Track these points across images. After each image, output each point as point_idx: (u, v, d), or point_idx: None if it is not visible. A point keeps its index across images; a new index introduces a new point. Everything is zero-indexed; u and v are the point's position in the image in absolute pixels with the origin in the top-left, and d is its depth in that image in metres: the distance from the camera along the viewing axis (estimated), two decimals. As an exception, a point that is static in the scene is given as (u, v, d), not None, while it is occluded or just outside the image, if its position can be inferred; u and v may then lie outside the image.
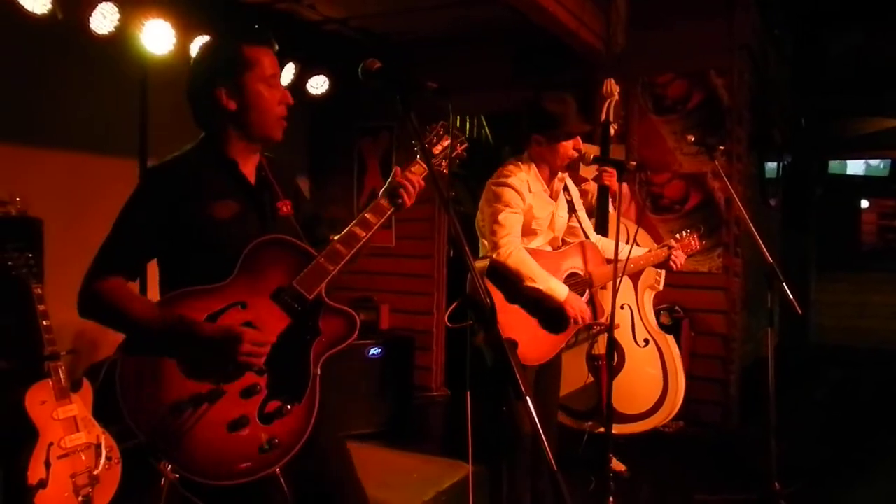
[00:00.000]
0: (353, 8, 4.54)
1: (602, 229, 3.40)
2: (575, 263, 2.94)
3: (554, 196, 2.95)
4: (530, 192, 2.83)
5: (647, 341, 3.53)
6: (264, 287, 1.77)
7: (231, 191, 1.82)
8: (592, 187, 3.81)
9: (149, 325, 1.69)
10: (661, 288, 3.62)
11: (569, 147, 2.84)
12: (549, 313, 2.79)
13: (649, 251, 3.11)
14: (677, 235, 3.17)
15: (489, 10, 4.17)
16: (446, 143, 2.06)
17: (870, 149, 7.14)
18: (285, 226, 1.88)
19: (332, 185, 5.78)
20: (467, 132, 6.52)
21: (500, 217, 2.75)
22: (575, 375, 3.55)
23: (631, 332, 3.55)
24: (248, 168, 1.89)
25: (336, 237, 1.85)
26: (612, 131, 3.63)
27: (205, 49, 1.94)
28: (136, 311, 1.71)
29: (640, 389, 3.52)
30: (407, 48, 5.05)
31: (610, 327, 2.82)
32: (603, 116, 3.64)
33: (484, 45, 5.05)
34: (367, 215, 1.87)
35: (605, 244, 3.13)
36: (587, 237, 3.07)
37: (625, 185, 3.78)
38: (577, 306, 2.79)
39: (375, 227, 1.87)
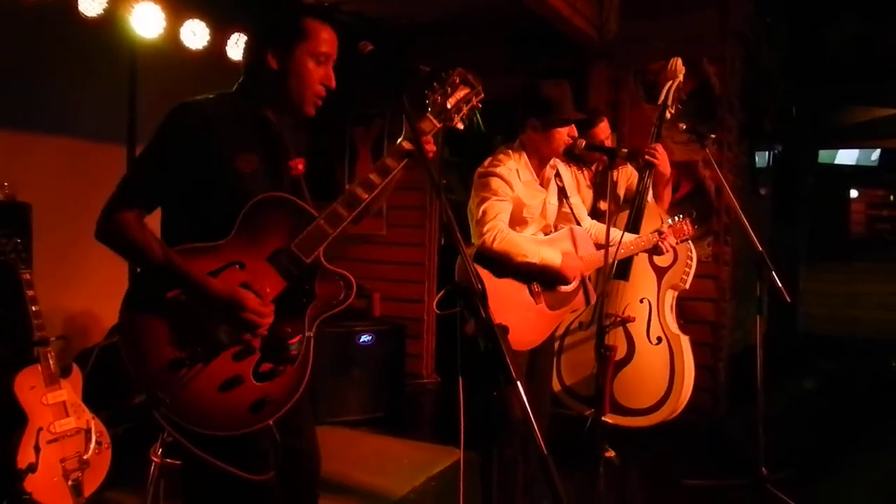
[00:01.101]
0: (346, -8, 4.51)
1: (637, 217, 3.33)
2: (564, 249, 2.94)
3: (545, 184, 2.95)
4: (520, 180, 2.83)
5: (659, 339, 3.45)
6: (262, 248, 1.77)
7: (254, 144, 1.81)
8: (630, 174, 3.71)
9: (163, 268, 1.70)
10: (686, 287, 3.51)
11: (563, 133, 2.83)
12: (549, 279, 2.82)
13: (639, 237, 3.12)
14: (669, 220, 3.17)
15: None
16: (462, 93, 1.94)
17: (861, 138, 7.16)
18: (296, 187, 1.87)
19: (326, 169, 5.76)
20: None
21: (486, 205, 2.76)
22: (589, 360, 3.51)
23: (646, 328, 3.48)
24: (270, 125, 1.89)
25: (338, 199, 1.82)
26: (667, 115, 3.50)
27: (271, 10, 1.92)
28: (155, 251, 1.71)
29: (644, 385, 3.46)
30: (400, 34, 5.02)
31: (600, 315, 2.83)
32: (661, 98, 3.51)
33: (477, 32, 5.02)
34: (372, 176, 1.83)
35: (598, 230, 3.12)
36: (579, 224, 3.07)
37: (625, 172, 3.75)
38: (575, 266, 2.82)
39: (379, 188, 1.83)
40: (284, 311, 1.77)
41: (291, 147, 1.91)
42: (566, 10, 4.17)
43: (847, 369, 5.83)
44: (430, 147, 1.89)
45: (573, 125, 2.87)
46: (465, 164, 5.58)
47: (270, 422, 1.76)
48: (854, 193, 10.05)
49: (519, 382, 1.43)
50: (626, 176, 3.72)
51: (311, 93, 1.84)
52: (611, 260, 2.81)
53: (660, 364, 3.46)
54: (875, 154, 8.81)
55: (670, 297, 3.52)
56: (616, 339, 3.40)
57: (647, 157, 3.33)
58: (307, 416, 2.05)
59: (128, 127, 4.21)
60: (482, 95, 1.98)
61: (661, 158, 3.33)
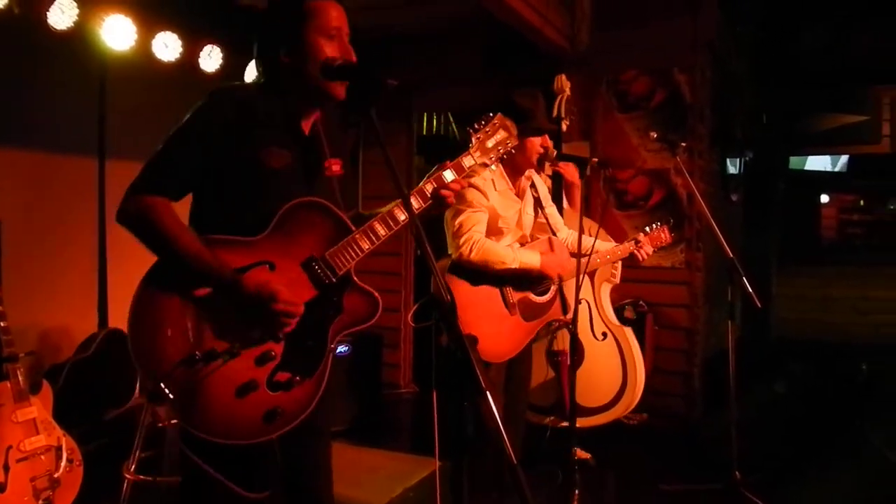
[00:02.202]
0: (318, 4, 4.51)
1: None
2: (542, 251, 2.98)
3: (520, 194, 2.98)
4: (495, 190, 2.85)
5: (605, 335, 3.57)
6: (296, 252, 1.73)
7: (286, 141, 1.78)
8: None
9: (191, 258, 1.63)
10: (617, 281, 3.66)
11: (536, 143, 2.87)
12: (530, 279, 2.85)
13: (616, 245, 3.15)
14: (647, 228, 3.21)
15: (455, 6, 4.18)
16: (501, 136, 1.99)
17: (831, 145, 7.29)
18: (328, 188, 1.84)
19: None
20: (434, 129, 6.52)
21: (462, 217, 2.78)
22: (535, 371, 3.57)
23: (589, 326, 3.58)
24: (307, 122, 1.85)
25: (376, 216, 1.81)
26: (563, 127, 3.66)
27: (273, 2, 1.87)
28: (182, 238, 1.64)
29: (599, 382, 3.56)
30: (374, 44, 5.02)
31: (574, 322, 2.86)
32: (555, 112, 3.66)
33: (451, 42, 5.05)
34: (413, 199, 1.83)
35: (573, 240, 3.15)
36: (555, 234, 3.10)
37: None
38: (555, 264, 2.87)
39: (418, 212, 1.83)
40: (309, 320, 1.73)
41: (329, 146, 1.88)
42: (538, 22, 4.22)
43: (819, 373, 5.91)
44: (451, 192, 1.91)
45: (546, 135, 2.90)
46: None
47: (274, 435, 1.71)
48: (825, 198, 10.20)
49: (489, 392, 1.44)
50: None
51: None
52: (589, 268, 2.86)
53: (611, 358, 3.56)
54: (843, 160, 8.97)
55: (605, 291, 3.65)
56: (564, 342, 3.44)
57: (559, 171, 3.51)
58: (320, 449, 1.97)
59: (99, 140, 4.18)
60: (516, 142, 2.05)
61: (566, 169, 3.51)
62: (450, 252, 2.84)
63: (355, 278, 1.80)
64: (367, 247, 1.77)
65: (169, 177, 1.69)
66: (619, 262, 3.55)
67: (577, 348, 3.46)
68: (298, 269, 1.73)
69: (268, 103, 1.77)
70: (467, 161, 1.95)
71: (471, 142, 1.98)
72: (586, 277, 3.56)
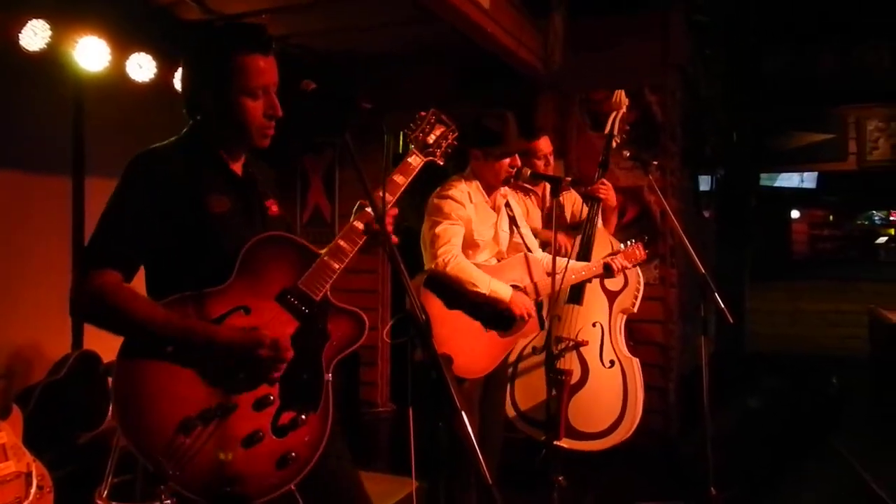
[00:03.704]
0: (294, 26, 4.53)
1: (588, 244, 3.43)
2: (517, 275, 3.00)
3: (496, 209, 3.01)
4: (472, 202, 2.89)
5: (612, 363, 3.49)
6: (267, 289, 1.66)
7: (223, 185, 1.73)
8: (575, 199, 3.80)
9: (159, 330, 1.55)
10: (635, 311, 3.59)
11: (505, 164, 2.91)
12: (496, 315, 2.84)
13: (588, 264, 3.19)
14: (621, 245, 3.27)
15: (430, 29, 4.22)
16: (439, 131, 1.96)
17: (799, 162, 7.45)
18: (277, 226, 1.80)
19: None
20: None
21: (439, 229, 2.80)
22: (543, 384, 3.54)
23: (599, 351, 3.51)
24: (236, 165, 1.81)
25: (339, 233, 1.77)
26: (613, 144, 3.65)
27: (197, 49, 1.79)
28: (144, 312, 1.56)
29: (599, 409, 3.48)
30: (349, 66, 5.06)
31: (548, 340, 2.87)
32: (607, 129, 3.67)
33: (427, 63, 5.10)
34: (367, 208, 1.76)
35: (550, 260, 3.18)
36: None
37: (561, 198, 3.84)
38: (523, 303, 2.85)
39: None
40: (299, 354, 1.66)
41: (263, 188, 1.84)
42: (512, 44, 4.27)
43: (791, 387, 5.99)
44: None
45: (516, 156, 2.94)
46: (416, 189, 5.63)
47: (293, 483, 1.64)
48: (796, 214, 10.38)
49: (464, 412, 1.45)
50: (570, 200, 3.83)
51: (256, 129, 1.74)
52: (563, 286, 2.86)
53: (613, 387, 3.49)
54: (811, 176, 9.16)
55: (620, 321, 3.58)
56: (570, 362, 3.44)
57: (596, 192, 3.46)
58: (343, 462, 1.90)
59: (73, 160, 4.16)
60: (457, 133, 2.02)
61: (608, 193, 3.48)
62: (425, 263, 2.86)
63: (334, 301, 1.77)
64: (337, 266, 1.72)
65: (113, 252, 1.61)
66: (640, 294, 3.55)
67: (581, 370, 3.44)
68: (274, 305, 1.67)
69: (196, 152, 1.73)
70: (413, 160, 1.93)
71: (410, 141, 1.96)
72: (606, 302, 3.54)
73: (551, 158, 3.62)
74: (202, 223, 1.66)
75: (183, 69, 1.78)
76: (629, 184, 4.76)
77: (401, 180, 1.87)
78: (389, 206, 1.80)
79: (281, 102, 1.79)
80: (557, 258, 2.83)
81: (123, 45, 3.78)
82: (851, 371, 5.79)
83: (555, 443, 3.53)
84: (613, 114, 3.68)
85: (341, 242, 1.74)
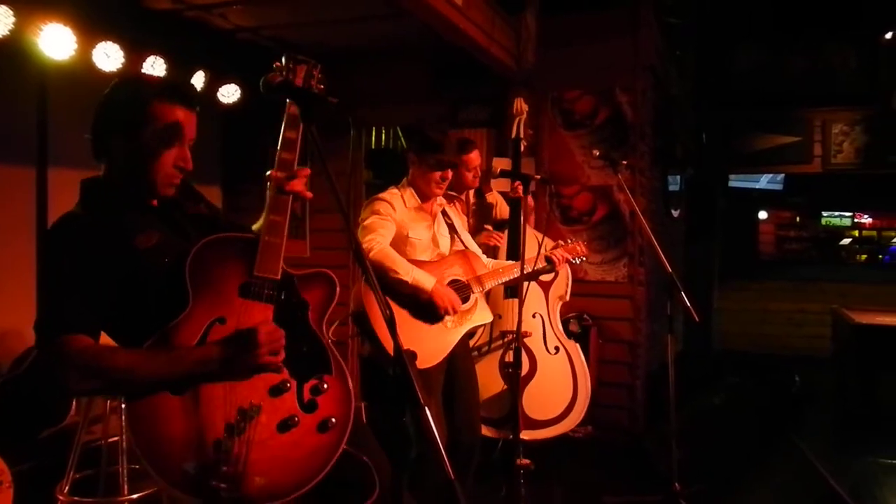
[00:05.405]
0: (264, 18, 4.50)
1: (515, 241, 3.52)
2: (456, 270, 3.06)
3: (432, 215, 3.10)
4: (405, 206, 2.99)
5: (557, 349, 3.64)
6: (228, 291, 1.67)
7: (148, 222, 1.73)
8: (498, 198, 3.95)
9: (151, 374, 1.56)
10: (567, 298, 3.76)
11: (437, 176, 2.99)
12: (421, 306, 2.85)
13: (534, 258, 3.27)
14: (561, 242, 3.41)
15: (403, 24, 4.21)
16: (302, 71, 1.83)
17: (766, 164, 7.56)
18: (203, 226, 1.80)
19: (246, 195, 5.70)
20: (383, 143, 6.54)
21: (369, 221, 2.90)
22: (491, 383, 3.61)
23: (542, 340, 3.64)
24: (151, 199, 1.79)
25: (264, 212, 1.75)
26: (521, 147, 3.76)
27: (114, 91, 1.76)
28: (136, 360, 1.57)
29: (551, 396, 3.61)
30: (320, 59, 5.02)
31: (517, 336, 2.90)
32: (514, 133, 3.77)
33: (400, 58, 5.09)
34: (270, 173, 1.76)
35: (494, 264, 3.30)
36: None
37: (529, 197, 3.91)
38: (446, 296, 2.86)
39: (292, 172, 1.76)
40: (290, 332, 1.70)
41: (183, 199, 1.84)
42: (484, 41, 4.28)
43: (755, 384, 6.09)
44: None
45: (448, 170, 3.02)
46: (388, 186, 5.63)
47: (345, 446, 1.68)
48: (763, 215, 10.53)
49: (426, 407, 1.45)
50: (494, 200, 4.01)
51: (162, 178, 1.73)
52: (510, 283, 2.99)
53: (562, 372, 3.63)
54: (775, 177, 9.31)
55: (558, 308, 3.73)
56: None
57: (515, 193, 3.55)
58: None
59: (38, 149, 4.08)
60: (319, 66, 1.89)
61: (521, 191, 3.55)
62: None
63: (294, 272, 1.79)
64: (280, 241, 1.72)
65: (72, 311, 1.59)
66: (569, 281, 3.72)
67: (529, 361, 3.56)
68: (243, 301, 1.67)
69: (109, 198, 1.72)
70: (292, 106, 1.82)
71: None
72: (541, 292, 3.68)
73: (479, 171, 3.72)
74: (138, 263, 1.65)
75: (98, 110, 1.74)
76: (599, 182, 4.81)
77: (293, 134, 1.81)
78: (294, 165, 1.78)
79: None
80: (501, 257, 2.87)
81: (90, 33, 3.72)
82: (815, 370, 5.91)
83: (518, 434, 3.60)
84: (517, 119, 3.81)
85: (273, 217, 1.73)
